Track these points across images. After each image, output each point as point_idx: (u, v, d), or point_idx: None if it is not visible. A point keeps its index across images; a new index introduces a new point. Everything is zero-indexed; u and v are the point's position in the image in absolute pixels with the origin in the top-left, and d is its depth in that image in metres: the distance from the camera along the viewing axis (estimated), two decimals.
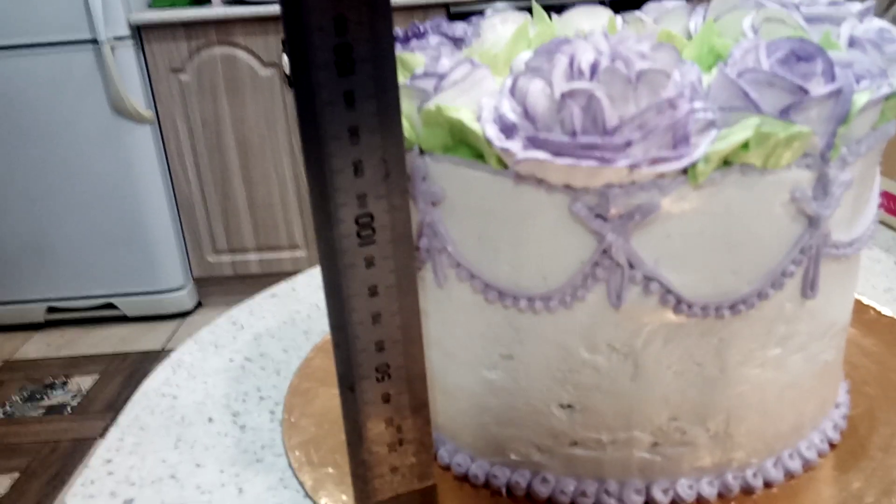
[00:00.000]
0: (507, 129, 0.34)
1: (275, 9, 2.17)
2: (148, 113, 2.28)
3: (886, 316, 0.55)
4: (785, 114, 0.33)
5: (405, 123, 0.38)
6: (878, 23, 0.41)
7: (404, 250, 0.35)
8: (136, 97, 2.26)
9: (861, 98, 0.34)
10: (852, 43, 0.38)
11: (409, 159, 0.38)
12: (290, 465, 0.44)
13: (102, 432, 2.17)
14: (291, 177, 2.42)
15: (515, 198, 0.35)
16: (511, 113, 0.34)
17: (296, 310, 0.61)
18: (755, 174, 0.34)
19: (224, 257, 2.57)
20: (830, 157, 0.34)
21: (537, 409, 0.40)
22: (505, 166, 0.35)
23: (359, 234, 0.34)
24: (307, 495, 0.42)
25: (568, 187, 0.34)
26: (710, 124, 0.34)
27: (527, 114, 0.34)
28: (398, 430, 0.38)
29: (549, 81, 0.34)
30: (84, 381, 2.41)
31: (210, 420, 0.49)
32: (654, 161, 0.32)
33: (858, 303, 0.56)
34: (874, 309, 0.55)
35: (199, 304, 2.74)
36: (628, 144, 0.32)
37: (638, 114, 0.32)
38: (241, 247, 2.55)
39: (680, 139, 0.33)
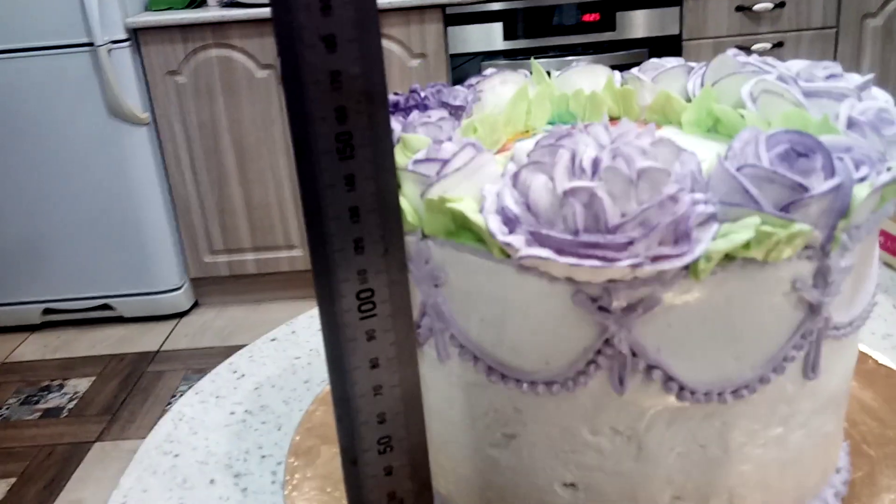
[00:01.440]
0: (510, 222, 0.34)
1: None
2: (144, 115, 2.28)
3: (885, 366, 0.55)
4: (785, 210, 0.33)
5: (408, 207, 0.38)
6: (876, 100, 0.41)
7: (404, 323, 0.37)
8: (133, 100, 2.26)
9: (861, 191, 0.34)
10: (851, 124, 0.38)
11: (412, 242, 0.38)
12: None
13: (99, 436, 2.17)
14: (288, 177, 2.42)
15: (518, 286, 0.36)
16: (514, 205, 0.34)
17: (295, 356, 0.62)
18: (756, 267, 0.34)
19: (221, 257, 2.57)
20: (831, 248, 0.35)
21: (540, 488, 0.40)
22: (507, 255, 0.35)
23: (360, 309, 0.35)
24: None
25: (570, 280, 0.34)
26: (711, 217, 0.34)
27: (529, 208, 0.34)
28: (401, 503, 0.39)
29: (552, 177, 0.34)
30: (80, 384, 2.42)
31: (212, 482, 0.49)
32: (657, 258, 0.33)
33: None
34: (872, 359, 0.56)
35: (195, 304, 2.75)
36: (630, 243, 0.32)
37: (639, 211, 0.33)
38: (237, 247, 2.55)
39: (681, 234, 0.33)
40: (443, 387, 0.41)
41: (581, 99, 0.52)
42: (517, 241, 0.34)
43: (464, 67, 2.29)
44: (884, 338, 0.59)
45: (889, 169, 0.36)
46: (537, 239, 0.33)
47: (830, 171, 0.34)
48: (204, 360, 2.47)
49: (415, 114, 0.44)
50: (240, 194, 2.45)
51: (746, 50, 2.22)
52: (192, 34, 2.20)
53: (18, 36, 2.16)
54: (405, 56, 2.26)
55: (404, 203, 0.38)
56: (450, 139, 0.42)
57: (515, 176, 0.35)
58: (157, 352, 2.55)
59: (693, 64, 0.51)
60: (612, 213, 0.33)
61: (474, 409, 0.40)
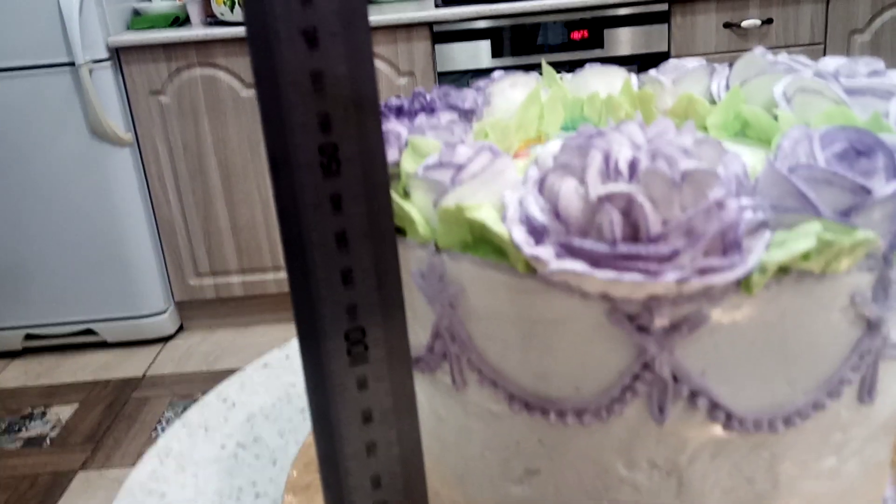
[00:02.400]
0: (536, 232, 0.31)
1: None
2: (127, 135, 2.24)
3: None
4: (846, 216, 0.30)
5: (418, 217, 0.34)
6: None
7: (401, 367, 0.31)
8: (115, 120, 2.22)
9: None
10: None
11: (423, 256, 0.34)
12: None
13: (83, 465, 2.11)
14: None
15: (545, 303, 0.32)
16: (540, 214, 0.31)
17: (290, 382, 0.58)
18: (812, 280, 0.30)
19: (206, 280, 2.53)
20: (893, 257, 0.31)
21: None
22: (533, 270, 0.32)
23: (349, 352, 0.30)
24: None
25: (605, 296, 0.31)
26: (762, 225, 0.30)
27: (558, 216, 0.30)
28: None
29: (583, 181, 0.30)
30: (63, 411, 2.35)
31: None
32: (705, 271, 0.29)
33: None
34: None
35: (180, 328, 2.70)
36: (675, 254, 0.29)
37: (685, 219, 0.29)
38: (223, 269, 2.51)
39: (731, 244, 0.29)
40: (458, 417, 0.37)
41: (596, 103, 0.48)
42: (546, 253, 0.30)
43: (451, 84, 2.26)
44: None
45: None
46: (569, 251, 0.30)
47: (893, 172, 0.30)
48: (190, 386, 2.42)
49: (422, 117, 0.41)
50: (225, 215, 2.41)
51: None
52: (175, 53, 2.17)
53: None
54: (393, 74, 2.23)
55: (414, 213, 0.35)
56: (462, 142, 0.39)
57: (541, 181, 0.32)
58: (142, 377, 2.49)
59: (715, 65, 0.48)
60: (654, 221, 0.29)
61: (494, 442, 0.36)
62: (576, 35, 2.22)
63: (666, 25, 2.21)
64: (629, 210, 0.29)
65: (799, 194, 0.30)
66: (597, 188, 0.30)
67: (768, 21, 2.20)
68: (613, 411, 0.33)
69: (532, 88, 0.47)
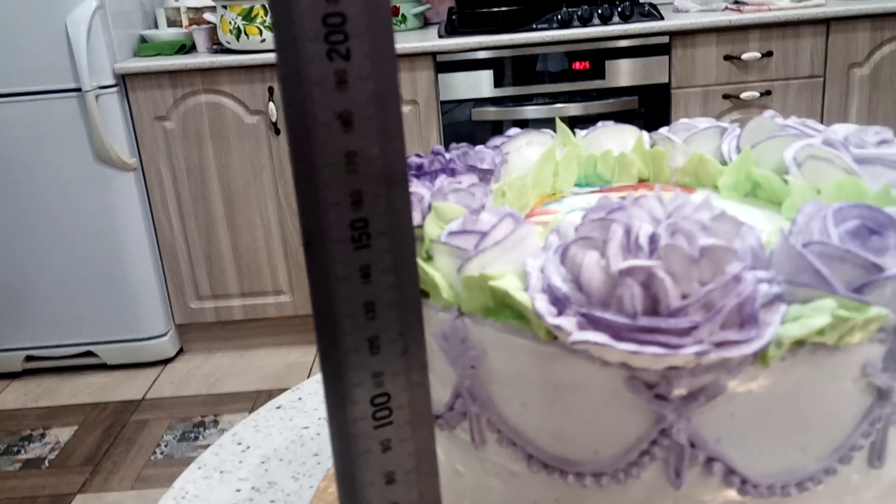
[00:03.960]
0: (558, 302, 0.32)
1: (261, 57, 2.16)
2: (132, 160, 2.25)
3: None
4: (859, 292, 0.31)
5: (442, 282, 0.35)
6: None
7: (424, 430, 0.32)
8: (121, 144, 2.23)
9: None
10: None
11: (447, 319, 0.35)
12: None
13: (81, 488, 2.11)
14: (276, 222, 2.40)
15: (565, 368, 0.33)
16: (563, 284, 0.32)
17: (303, 425, 0.58)
18: (826, 353, 0.32)
19: (207, 303, 2.53)
20: None
21: None
22: (553, 337, 0.33)
23: (374, 416, 0.31)
24: None
25: (625, 364, 0.32)
26: (778, 298, 0.31)
27: (580, 287, 0.32)
28: None
29: (605, 254, 0.31)
30: (62, 433, 2.35)
31: None
32: (723, 345, 0.30)
33: None
34: None
35: (180, 351, 2.70)
36: (694, 327, 0.30)
37: (703, 294, 0.30)
38: (224, 293, 2.51)
39: (748, 318, 0.30)
40: (477, 473, 0.38)
41: (609, 160, 0.50)
42: (568, 323, 0.31)
43: (453, 113, 2.28)
44: None
45: None
46: (591, 321, 0.31)
47: None
48: (189, 409, 2.42)
49: (442, 178, 0.42)
50: (227, 240, 2.42)
51: (735, 98, 2.24)
52: (180, 80, 2.19)
53: (5, 81, 2.13)
54: None
55: (438, 278, 0.36)
56: (483, 207, 0.40)
57: (563, 252, 0.33)
58: (142, 400, 2.49)
59: (726, 125, 0.49)
60: (674, 295, 0.30)
61: (511, 499, 0.37)
62: (577, 65, 2.24)
63: (667, 57, 2.23)
64: (649, 284, 0.30)
65: (813, 270, 0.31)
66: (618, 262, 0.31)
67: (768, 54, 2.23)
68: (631, 475, 0.34)
69: (547, 147, 0.49)
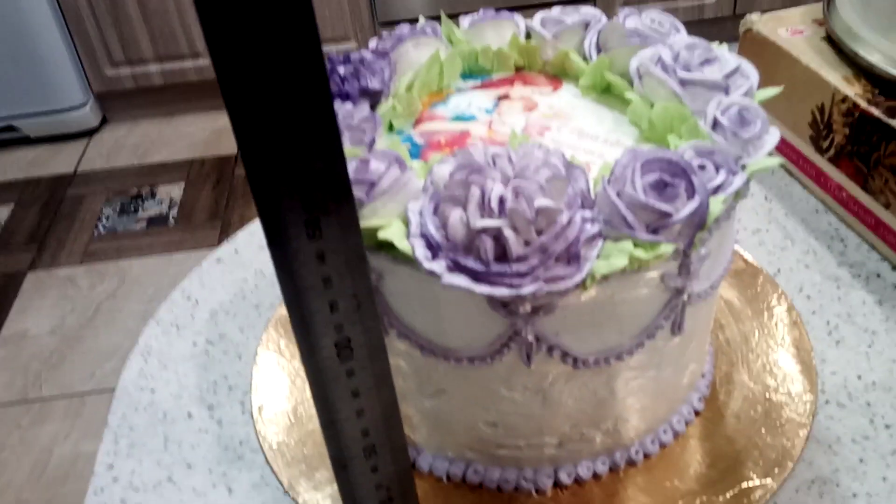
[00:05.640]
0: (433, 247, 0.41)
1: None
2: None
3: (751, 265, 0.65)
4: (654, 232, 0.41)
5: None
6: (741, 87, 0.47)
7: (380, 358, 0.40)
8: None
9: (716, 206, 0.42)
10: (715, 125, 0.45)
11: None
12: (266, 461, 0.54)
13: (30, 265, 2.21)
14: None
15: (441, 291, 0.43)
16: (435, 232, 0.41)
17: (243, 278, 0.69)
18: (632, 272, 0.42)
19: (123, 70, 2.51)
20: (691, 250, 0.43)
21: (468, 426, 0.50)
22: None
23: (338, 355, 0.39)
24: (286, 493, 0.52)
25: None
26: (598, 235, 0.41)
27: (448, 237, 0.41)
28: (388, 491, 0.46)
29: (466, 210, 0.40)
30: (0, 212, 2.41)
31: (189, 416, 0.58)
32: (552, 280, 0.40)
33: None
34: (742, 257, 0.65)
35: (104, 121, 2.71)
36: (532, 269, 0.40)
37: (538, 244, 0.40)
38: (139, 57, 2.49)
39: (573, 256, 0.41)
40: (391, 353, 0.49)
41: (489, 54, 0.57)
42: (440, 267, 0.41)
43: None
44: (753, 233, 0.69)
45: (744, 168, 0.44)
46: (457, 266, 0.40)
47: (692, 192, 0.41)
48: (123, 181, 2.47)
49: (338, 105, 0.49)
50: (134, 1, 2.36)
51: None
52: None
53: None
54: None
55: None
56: (373, 141, 0.48)
57: (436, 205, 0.42)
58: (74, 174, 2.53)
59: (589, 18, 0.56)
60: (516, 247, 0.40)
61: (411, 372, 0.49)
62: None
63: None
64: (499, 237, 0.40)
65: (621, 215, 0.41)
66: (476, 220, 0.40)
67: None
68: (495, 359, 0.45)
69: (433, 49, 0.55)
